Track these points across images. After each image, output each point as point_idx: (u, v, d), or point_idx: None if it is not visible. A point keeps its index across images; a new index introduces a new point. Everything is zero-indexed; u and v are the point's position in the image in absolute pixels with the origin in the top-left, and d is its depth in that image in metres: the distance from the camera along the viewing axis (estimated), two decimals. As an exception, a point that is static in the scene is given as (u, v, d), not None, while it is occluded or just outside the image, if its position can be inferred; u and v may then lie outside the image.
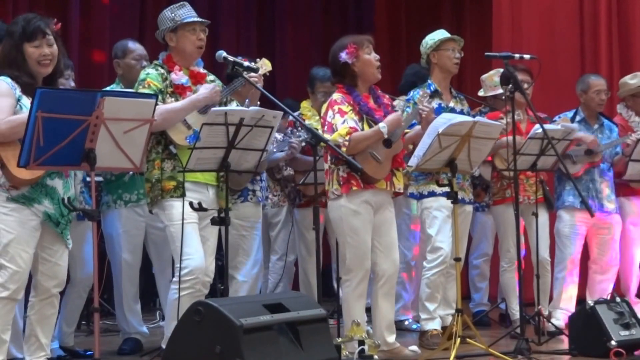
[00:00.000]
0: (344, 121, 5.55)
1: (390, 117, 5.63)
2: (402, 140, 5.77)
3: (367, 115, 5.67)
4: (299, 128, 6.72)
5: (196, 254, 5.24)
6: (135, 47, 6.48)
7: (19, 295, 4.75)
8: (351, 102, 5.66)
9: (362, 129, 5.61)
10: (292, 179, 6.96)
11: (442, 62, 6.54)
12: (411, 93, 6.50)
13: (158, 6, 8.13)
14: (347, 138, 5.47)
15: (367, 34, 5.96)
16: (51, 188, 4.76)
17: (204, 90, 5.41)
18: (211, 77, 5.68)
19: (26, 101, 4.72)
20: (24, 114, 4.63)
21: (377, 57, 5.75)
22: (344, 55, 5.66)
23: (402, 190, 5.82)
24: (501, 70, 7.33)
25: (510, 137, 6.00)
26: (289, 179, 6.97)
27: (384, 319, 5.74)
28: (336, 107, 5.63)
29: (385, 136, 5.52)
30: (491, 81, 7.49)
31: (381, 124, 5.54)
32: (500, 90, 7.36)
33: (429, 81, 6.56)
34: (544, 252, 6.89)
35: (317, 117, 6.76)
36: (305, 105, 7.09)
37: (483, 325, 7.29)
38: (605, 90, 7.25)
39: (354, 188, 5.57)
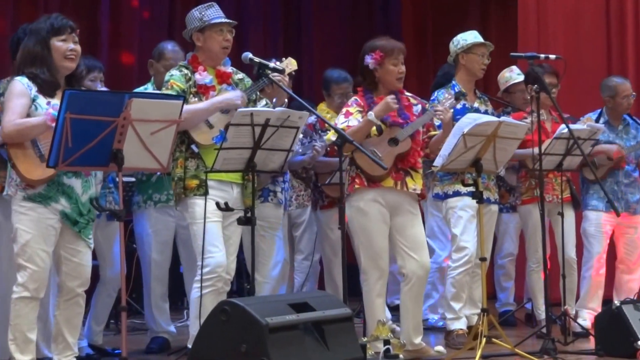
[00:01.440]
0: (345, 121, 5.57)
1: (378, 104, 5.57)
2: (417, 141, 5.74)
3: None
4: (320, 131, 6.75)
5: (218, 252, 5.27)
6: (171, 54, 6.41)
7: (40, 294, 4.79)
8: (361, 104, 5.67)
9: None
10: (315, 178, 6.98)
11: (470, 65, 6.54)
12: (435, 94, 6.51)
13: (187, 8, 8.18)
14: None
15: (394, 36, 5.95)
16: (68, 187, 4.80)
17: (229, 94, 5.45)
18: (239, 75, 5.70)
19: (42, 101, 4.77)
20: (33, 118, 4.70)
21: (402, 69, 5.70)
22: (368, 59, 5.66)
23: (418, 191, 5.71)
24: (513, 67, 7.39)
25: (535, 148, 6.00)
26: (311, 177, 6.97)
27: (412, 321, 5.72)
28: (344, 109, 5.68)
29: (376, 122, 5.49)
30: (502, 78, 7.51)
31: (369, 113, 5.52)
32: (512, 82, 7.40)
33: (453, 82, 6.56)
34: (571, 251, 6.88)
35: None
36: (322, 107, 7.06)
37: (509, 325, 7.27)
38: (632, 93, 7.22)
39: (357, 186, 5.58)
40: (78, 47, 4.91)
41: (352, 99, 5.76)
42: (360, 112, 5.63)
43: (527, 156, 6.53)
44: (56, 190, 4.77)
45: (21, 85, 4.77)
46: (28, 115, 4.74)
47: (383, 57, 5.64)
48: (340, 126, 5.51)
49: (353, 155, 5.56)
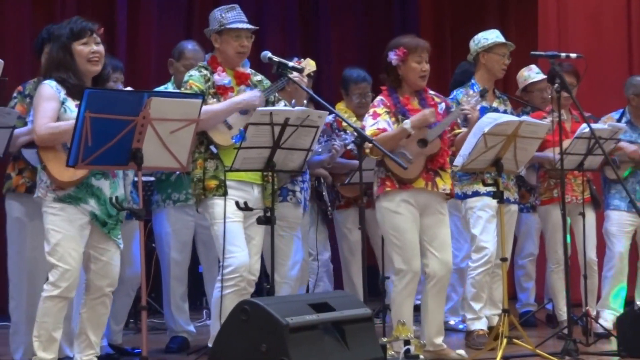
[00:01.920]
0: (374, 123, 5.53)
1: (417, 115, 5.52)
2: (445, 141, 5.70)
3: (402, 116, 5.60)
4: (337, 130, 6.71)
5: (240, 252, 5.26)
6: (191, 54, 6.41)
7: (70, 293, 4.80)
8: (388, 104, 5.63)
9: None
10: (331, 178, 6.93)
11: (490, 65, 6.51)
12: (454, 92, 6.47)
13: (205, 8, 8.18)
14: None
15: (412, 34, 5.92)
16: (97, 188, 4.82)
17: (247, 94, 5.44)
18: (258, 77, 5.69)
19: (71, 103, 4.80)
20: (66, 122, 4.71)
21: (426, 67, 5.65)
22: (392, 56, 5.63)
23: (447, 190, 5.66)
24: (531, 66, 7.35)
25: (557, 149, 5.96)
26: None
27: (433, 321, 5.70)
28: (372, 110, 5.64)
29: (411, 132, 5.45)
30: (521, 77, 7.48)
31: (405, 122, 5.48)
32: (531, 80, 7.36)
33: (473, 81, 6.52)
34: (591, 252, 6.85)
35: (354, 119, 6.71)
36: (340, 107, 7.01)
37: (530, 326, 7.24)
38: (657, 92, 7.19)
39: (387, 189, 5.54)
40: (101, 48, 4.92)
41: (378, 98, 5.71)
42: (387, 112, 5.59)
43: (546, 160, 6.49)
44: (85, 192, 4.79)
45: (50, 89, 4.80)
46: (58, 119, 4.78)
47: (406, 54, 5.60)
48: (369, 129, 5.48)
49: (383, 158, 5.51)
